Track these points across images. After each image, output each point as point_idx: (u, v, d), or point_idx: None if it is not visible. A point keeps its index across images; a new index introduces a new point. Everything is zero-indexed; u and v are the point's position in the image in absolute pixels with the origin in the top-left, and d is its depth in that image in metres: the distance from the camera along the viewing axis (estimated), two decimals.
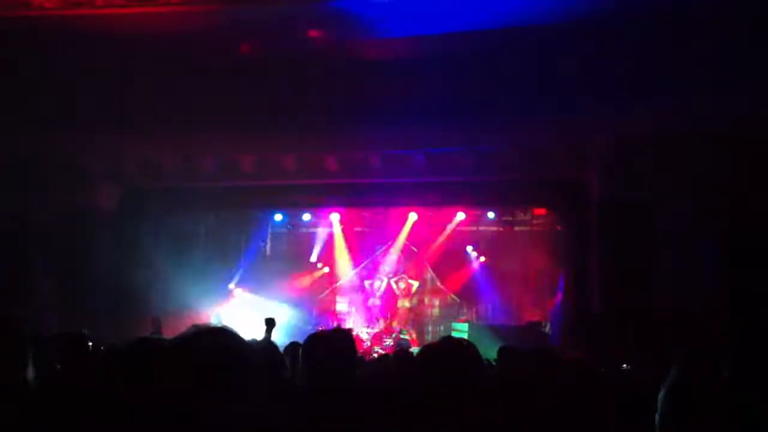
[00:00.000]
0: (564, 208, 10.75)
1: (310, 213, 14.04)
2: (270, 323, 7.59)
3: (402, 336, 13.32)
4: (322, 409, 2.51)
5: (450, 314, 14.29)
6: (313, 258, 14.43)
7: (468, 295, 14.32)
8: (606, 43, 6.64)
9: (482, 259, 14.17)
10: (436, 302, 14.68)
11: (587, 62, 6.95)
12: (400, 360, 5.02)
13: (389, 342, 13.15)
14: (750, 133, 7.29)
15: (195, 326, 2.33)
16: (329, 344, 3.07)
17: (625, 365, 5.62)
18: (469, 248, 14.25)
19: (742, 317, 6.70)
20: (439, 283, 14.60)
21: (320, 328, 12.40)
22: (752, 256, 7.23)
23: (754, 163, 7.26)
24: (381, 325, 13.99)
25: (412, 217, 13.63)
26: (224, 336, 2.41)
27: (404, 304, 14.63)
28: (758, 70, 6.56)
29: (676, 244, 7.95)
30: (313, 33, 7.60)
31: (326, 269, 14.62)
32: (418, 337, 14.17)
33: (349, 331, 3.23)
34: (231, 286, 13.21)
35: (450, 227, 13.74)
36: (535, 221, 13.75)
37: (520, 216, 13.78)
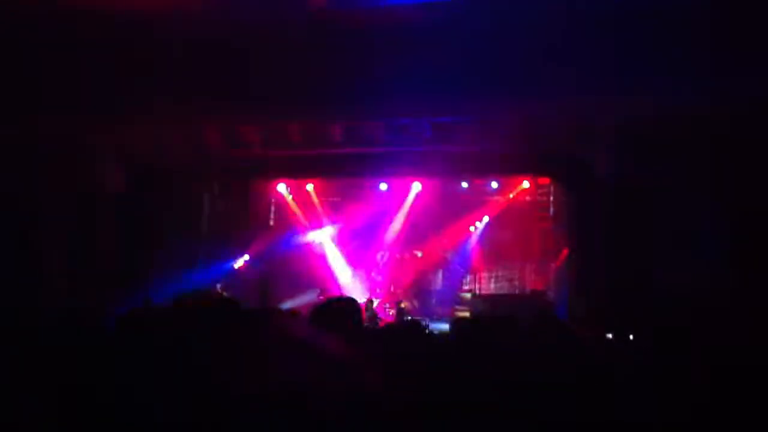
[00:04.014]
0: (568, 180, 10.74)
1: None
2: (264, 287, 7.77)
3: (402, 306, 13.41)
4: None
5: (453, 284, 14.38)
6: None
7: (471, 264, 14.40)
8: (616, 18, 6.55)
9: (486, 219, 14.20)
10: (440, 272, 14.76)
11: (597, 37, 6.86)
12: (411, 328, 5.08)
13: (391, 312, 13.24)
14: (753, 120, 7.25)
15: (196, 293, 2.38)
16: (338, 312, 3.14)
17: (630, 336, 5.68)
18: (475, 219, 14.31)
19: (743, 298, 6.78)
20: (442, 253, 14.67)
21: (321, 298, 12.55)
22: (756, 238, 7.26)
23: (759, 144, 7.24)
24: (383, 295, 14.10)
25: (416, 187, 13.63)
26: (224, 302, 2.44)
27: (408, 274, 14.72)
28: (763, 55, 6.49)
29: (679, 223, 7.97)
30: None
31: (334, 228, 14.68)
32: (420, 307, 14.28)
33: (355, 300, 3.30)
34: (237, 263, 13.28)
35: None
36: (539, 190, 13.75)
37: (524, 185, 13.78)
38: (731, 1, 6.01)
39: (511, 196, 13.90)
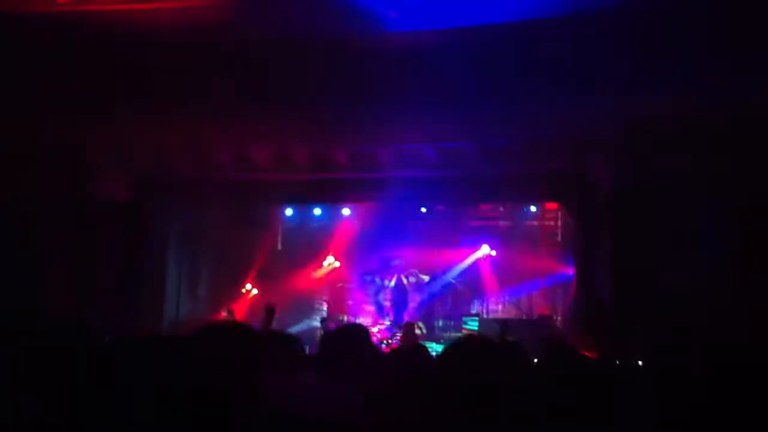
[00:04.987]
0: (572, 200, 10.74)
1: (321, 208, 14.09)
2: (270, 312, 7.63)
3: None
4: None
5: (460, 309, 14.30)
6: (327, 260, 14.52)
7: (478, 289, 14.33)
8: (613, 32, 6.62)
9: (493, 253, 14.16)
10: (447, 297, 14.69)
11: (597, 41, 6.92)
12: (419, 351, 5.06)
13: (398, 336, 13.15)
14: (752, 121, 7.27)
15: (207, 323, 2.38)
16: (347, 338, 3.15)
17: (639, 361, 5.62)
18: (480, 244, 14.28)
19: (743, 298, 6.74)
20: (450, 278, 14.61)
21: (330, 324, 12.50)
22: (756, 238, 7.24)
23: (756, 150, 7.25)
24: (390, 319, 14.04)
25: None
26: (235, 331, 2.45)
27: (414, 299, 14.66)
28: (761, 56, 6.51)
29: (684, 234, 7.95)
30: (324, 27, 7.61)
31: (337, 263, 14.66)
32: (427, 331, 14.19)
33: (364, 327, 3.30)
34: (246, 287, 13.28)
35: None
36: (546, 215, 13.74)
37: (531, 210, 13.77)
38: (731, 1, 6.05)
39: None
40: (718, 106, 7.19)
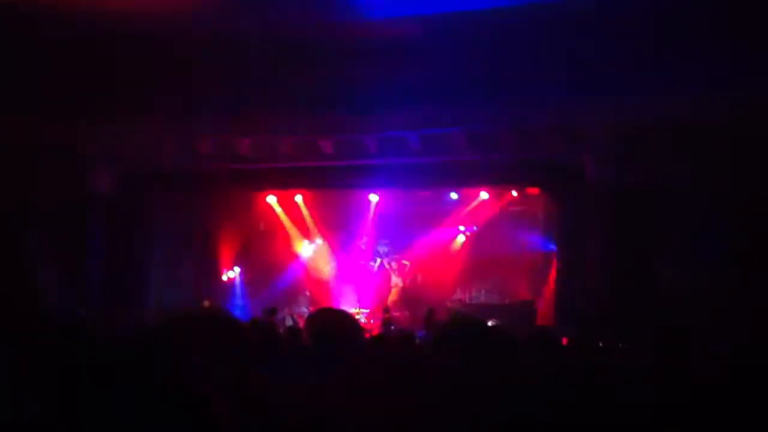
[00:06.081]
0: (560, 190, 10.77)
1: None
2: (272, 313, 7.72)
3: (392, 315, 13.32)
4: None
5: (443, 294, 14.34)
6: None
7: (461, 274, 14.37)
8: (608, 26, 6.61)
9: (474, 229, 14.18)
10: (429, 282, 14.72)
11: (588, 46, 6.91)
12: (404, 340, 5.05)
13: (380, 321, 13.17)
14: (751, 120, 7.32)
15: (184, 310, 2.34)
16: (338, 330, 3.12)
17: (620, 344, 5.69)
18: (462, 227, 14.29)
19: (743, 298, 6.83)
20: (432, 263, 14.64)
21: (311, 309, 12.49)
22: (756, 238, 7.32)
23: (756, 150, 7.31)
24: (373, 305, 14.05)
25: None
26: (214, 317, 2.42)
27: (397, 284, 14.67)
28: (761, 56, 6.55)
29: (677, 230, 8.03)
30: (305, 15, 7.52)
31: (321, 248, 14.64)
32: (411, 317, 14.23)
33: (351, 315, 3.28)
34: (229, 273, 13.23)
35: None
36: (528, 200, 13.77)
37: (514, 196, 13.80)
38: (731, 2, 6.06)
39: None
40: (718, 106, 7.23)
